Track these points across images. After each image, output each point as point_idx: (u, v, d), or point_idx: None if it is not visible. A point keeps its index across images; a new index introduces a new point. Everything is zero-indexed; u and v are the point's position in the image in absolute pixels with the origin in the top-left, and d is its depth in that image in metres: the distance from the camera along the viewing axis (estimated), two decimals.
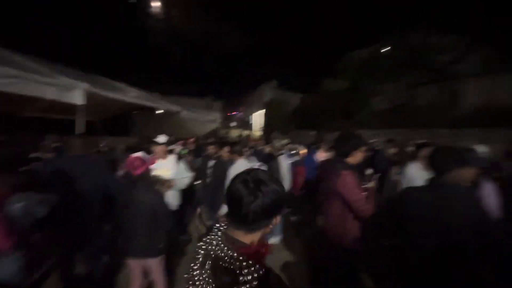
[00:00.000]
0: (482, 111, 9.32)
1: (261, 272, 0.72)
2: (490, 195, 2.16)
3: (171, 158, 3.33)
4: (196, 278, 0.79)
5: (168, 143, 3.50)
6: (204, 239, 0.88)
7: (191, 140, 7.92)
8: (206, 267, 0.77)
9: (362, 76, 13.25)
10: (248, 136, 12.40)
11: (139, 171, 2.02)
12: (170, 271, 2.41)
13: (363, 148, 2.08)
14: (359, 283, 2.30)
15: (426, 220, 1.56)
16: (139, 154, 2.12)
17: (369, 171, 2.22)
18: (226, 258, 0.74)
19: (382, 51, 13.10)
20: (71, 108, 3.58)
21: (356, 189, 1.95)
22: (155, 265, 2.13)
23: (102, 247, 2.46)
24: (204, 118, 7.24)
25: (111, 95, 3.98)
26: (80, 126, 3.65)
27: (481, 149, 4.32)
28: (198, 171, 4.45)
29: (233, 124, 32.30)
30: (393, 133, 11.09)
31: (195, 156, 5.18)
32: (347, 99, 14.16)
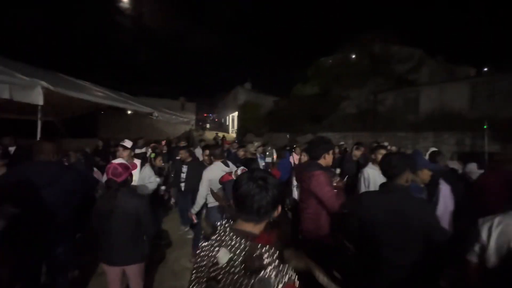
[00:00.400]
0: (435, 116, 10.39)
1: (277, 253, 0.85)
2: (445, 195, 2.39)
3: (136, 162, 3.26)
4: (218, 272, 0.85)
5: (136, 147, 3.39)
6: (213, 237, 0.94)
7: (163, 142, 7.67)
8: (227, 260, 0.84)
9: (331, 82, 13.95)
10: (223, 138, 12.33)
11: (122, 178, 1.97)
12: (147, 276, 2.33)
13: (333, 151, 2.25)
14: (333, 277, 2.42)
15: (380, 224, 1.65)
16: (121, 160, 2.07)
17: (337, 170, 2.40)
18: (246, 248, 0.85)
19: (348, 58, 13.93)
20: (28, 108, 3.29)
21: (328, 187, 2.11)
22: (135, 271, 2.08)
23: (69, 259, 2.30)
24: (177, 120, 7.02)
25: (74, 94, 3.72)
26: (41, 127, 3.38)
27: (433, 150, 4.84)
28: (168, 176, 4.32)
29: (208, 125, 31.90)
30: (359, 136, 11.87)
31: (167, 160, 5.03)
32: (318, 104, 14.82)
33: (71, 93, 3.65)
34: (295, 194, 3.62)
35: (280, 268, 0.82)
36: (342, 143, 8.94)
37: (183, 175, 4.08)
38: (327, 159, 2.26)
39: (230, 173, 2.68)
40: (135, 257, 2.05)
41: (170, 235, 4.04)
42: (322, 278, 1.04)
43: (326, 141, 2.31)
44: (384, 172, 1.75)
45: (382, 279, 1.67)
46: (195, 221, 3.24)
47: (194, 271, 0.94)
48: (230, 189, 2.65)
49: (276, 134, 16.49)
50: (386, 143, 8.40)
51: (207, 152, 3.66)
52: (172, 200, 4.79)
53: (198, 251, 0.96)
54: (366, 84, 12.99)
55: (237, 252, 0.85)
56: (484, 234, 1.46)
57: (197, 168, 3.75)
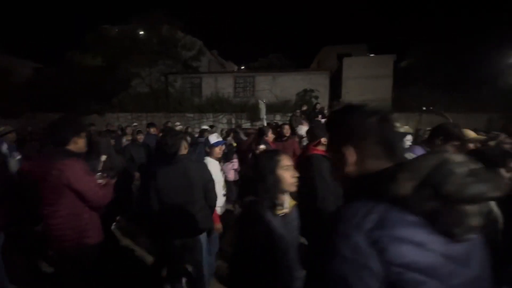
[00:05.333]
0: (213, 100, 12.82)
1: None
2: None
3: None
4: None
5: None
6: None
7: None
8: None
9: (118, 55, 12.53)
10: None
11: None
12: None
13: (85, 134, 1.99)
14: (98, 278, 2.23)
15: (172, 188, 2.14)
16: None
17: (103, 157, 2.28)
18: None
19: (137, 34, 13.12)
20: None
21: (87, 177, 1.86)
22: None
23: None
24: None
25: None
26: None
27: (213, 130, 6.14)
28: None
29: None
30: (153, 117, 11.95)
31: None
32: (104, 79, 12.79)
33: None
34: None
35: None
36: (135, 124, 8.55)
37: None
38: (79, 143, 1.94)
39: None
40: None
41: None
42: None
43: (74, 121, 1.99)
44: (168, 150, 2.15)
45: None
46: None
47: None
48: None
49: (43, 114, 12.34)
50: (178, 123, 9.23)
51: None
52: None
53: None
54: (156, 64, 13.06)
55: None
56: None
57: None
